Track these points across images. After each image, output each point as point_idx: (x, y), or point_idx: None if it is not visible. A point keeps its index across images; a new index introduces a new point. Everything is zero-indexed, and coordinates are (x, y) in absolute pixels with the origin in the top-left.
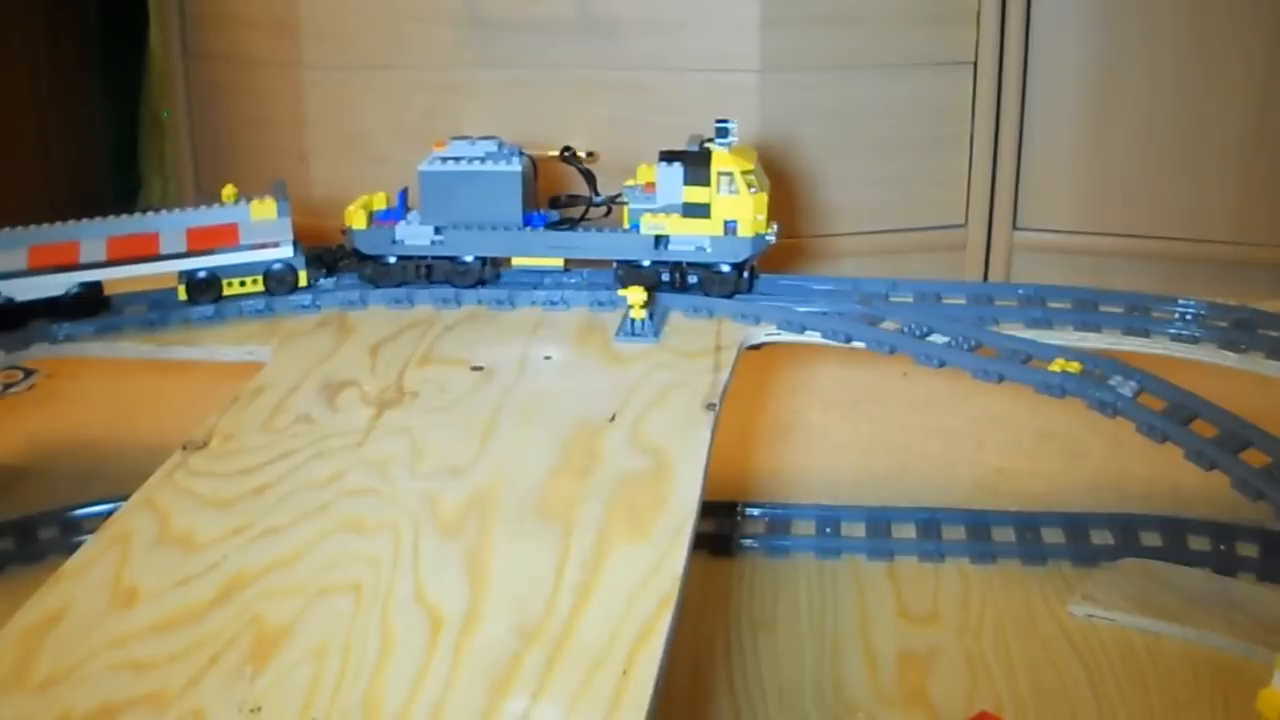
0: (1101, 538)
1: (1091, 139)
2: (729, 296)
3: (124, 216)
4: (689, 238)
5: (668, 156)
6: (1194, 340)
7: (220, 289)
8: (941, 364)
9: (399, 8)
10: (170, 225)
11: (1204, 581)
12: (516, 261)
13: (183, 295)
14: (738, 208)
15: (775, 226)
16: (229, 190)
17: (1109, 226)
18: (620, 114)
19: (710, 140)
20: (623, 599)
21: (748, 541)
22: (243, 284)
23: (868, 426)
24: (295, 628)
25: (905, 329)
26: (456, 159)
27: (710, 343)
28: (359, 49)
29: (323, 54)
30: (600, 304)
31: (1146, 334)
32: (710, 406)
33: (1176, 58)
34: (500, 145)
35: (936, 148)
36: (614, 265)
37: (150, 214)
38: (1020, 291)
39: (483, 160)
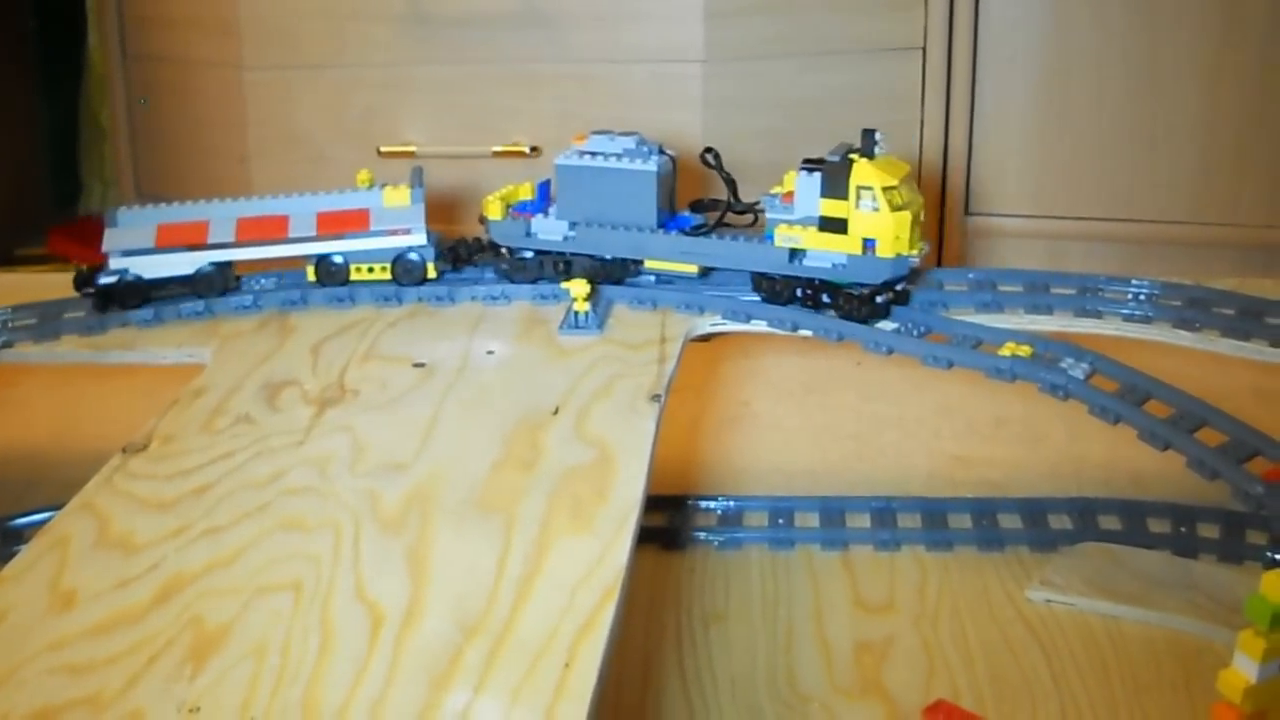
0: (1060, 522)
1: (1043, 122)
2: (864, 322)
3: (254, 198)
4: (825, 254)
5: (809, 165)
6: (1147, 320)
7: (347, 274)
8: (890, 351)
9: (339, 6)
10: (301, 208)
11: (1164, 564)
12: (650, 264)
13: (311, 277)
14: (877, 225)
15: (924, 247)
16: (364, 175)
17: (1063, 210)
18: (565, 107)
19: (856, 150)
20: (565, 591)
21: (700, 534)
22: (370, 270)
23: (821, 416)
24: (234, 627)
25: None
26: (594, 154)
27: (655, 334)
28: (299, 48)
29: (263, 54)
30: (543, 297)
31: (1099, 315)
32: (655, 397)
33: (1127, 38)
34: (640, 142)
35: (886, 135)
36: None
37: (281, 196)
38: (970, 276)
39: (619, 157)
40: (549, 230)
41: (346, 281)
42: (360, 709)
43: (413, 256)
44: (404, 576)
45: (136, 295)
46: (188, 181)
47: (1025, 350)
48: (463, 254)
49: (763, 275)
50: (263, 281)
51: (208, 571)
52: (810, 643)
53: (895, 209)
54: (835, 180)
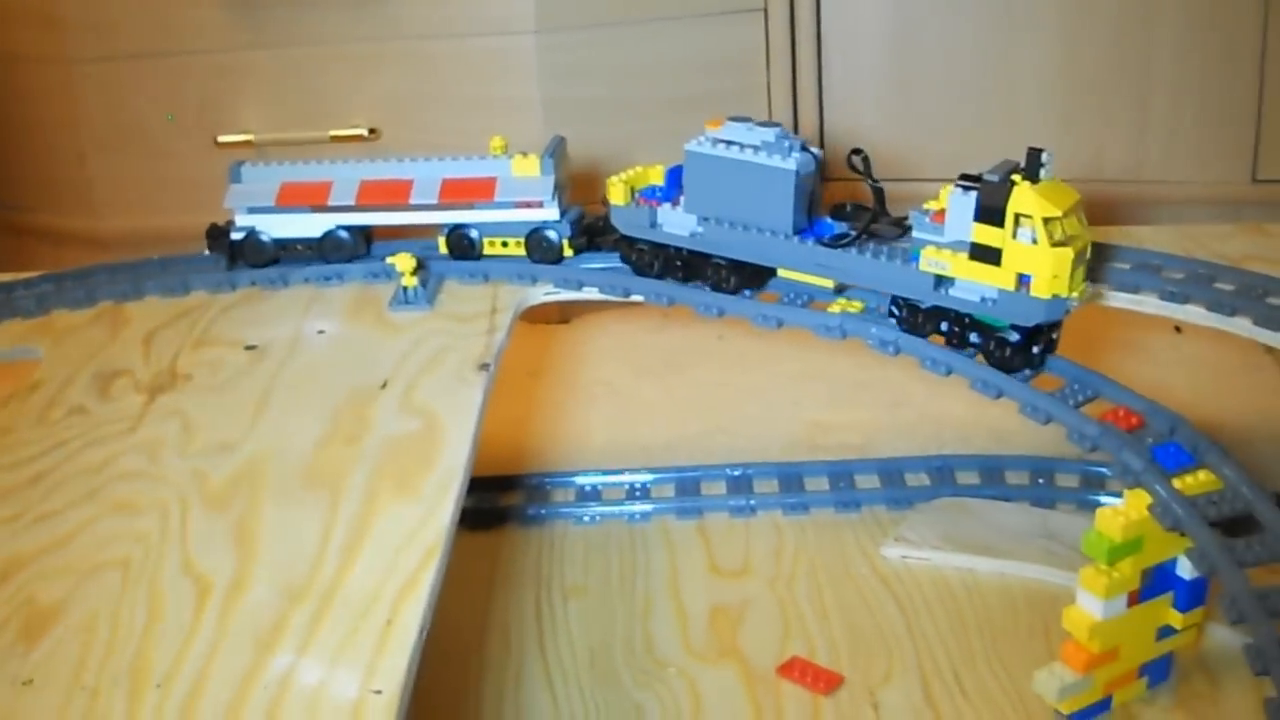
0: (917, 480)
1: (894, 82)
2: (1010, 371)
3: (381, 160)
4: (974, 285)
5: (965, 182)
6: None
7: (481, 248)
8: (720, 312)
9: None
10: (426, 173)
11: (1021, 515)
12: (782, 273)
13: (443, 249)
14: (1034, 260)
15: (1087, 288)
16: (497, 142)
17: (918, 172)
18: (405, 87)
19: (1020, 170)
20: (388, 555)
21: (559, 511)
22: (505, 245)
23: (681, 390)
24: (66, 605)
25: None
26: (728, 143)
27: (486, 306)
28: (127, 37)
29: (91, 45)
30: (374, 275)
31: None
32: (483, 367)
33: None
34: (782, 135)
35: (733, 101)
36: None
37: (409, 160)
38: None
39: (756, 149)
40: (675, 223)
41: (480, 256)
42: (186, 674)
43: (549, 233)
44: (230, 550)
45: (262, 254)
46: (23, 185)
47: (856, 306)
48: (593, 233)
49: (904, 300)
50: (98, 276)
51: (41, 554)
52: (667, 611)
53: (1056, 244)
54: (991, 204)
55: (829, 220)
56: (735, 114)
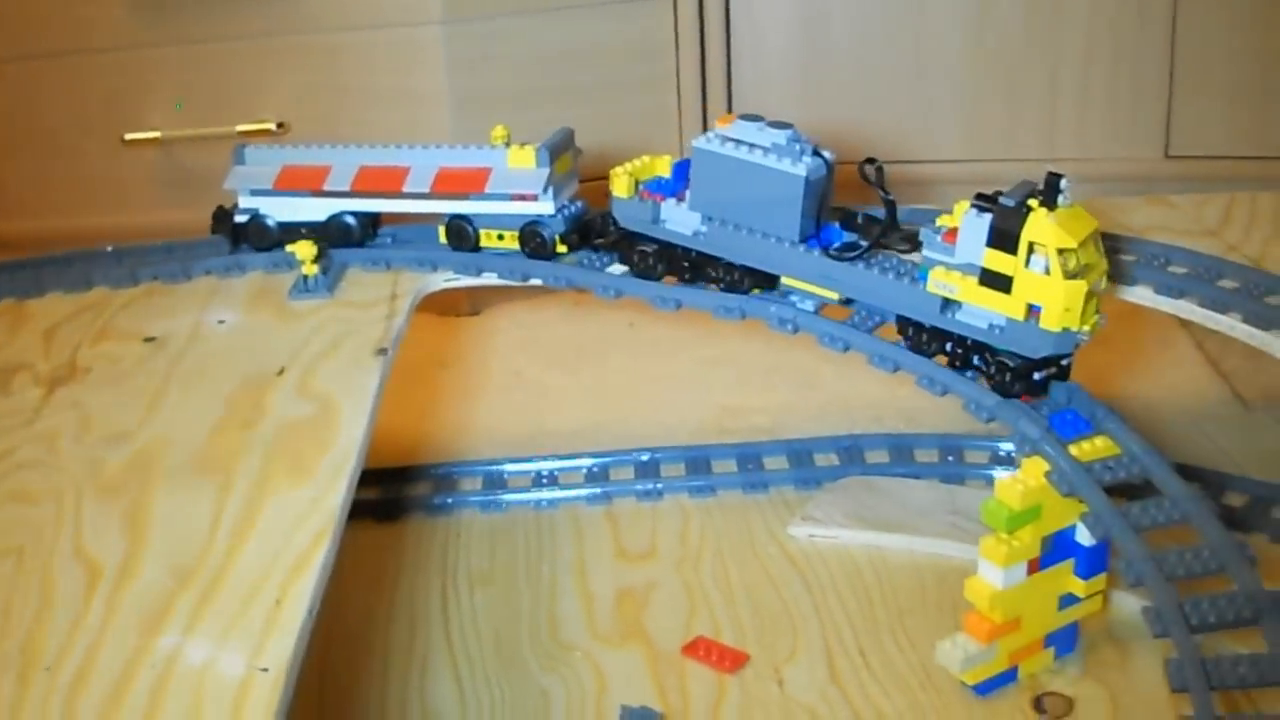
0: (826, 460)
1: (805, 66)
2: (1009, 397)
3: (381, 146)
4: (982, 311)
5: (981, 203)
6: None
7: (478, 239)
8: (618, 294)
9: None
10: (423, 161)
11: (929, 492)
12: (786, 281)
13: (443, 239)
14: (1046, 291)
15: (1100, 320)
16: (499, 131)
17: (833, 155)
18: (312, 80)
19: (1038, 194)
20: (279, 536)
21: (466, 499)
22: (500, 238)
23: (591, 379)
24: None
25: (584, 263)
26: (737, 142)
27: (386, 293)
28: (32, 37)
29: (1, 44)
30: (276, 265)
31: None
32: (381, 351)
33: None
34: (794, 138)
35: (643, 89)
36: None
37: (408, 146)
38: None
39: (765, 151)
40: (679, 220)
41: (477, 247)
42: (75, 655)
43: (541, 229)
44: (122, 536)
45: (266, 237)
46: None
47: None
48: (589, 231)
49: (909, 321)
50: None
51: None
52: (573, 595)
53: (1069, 275)
54: (1005, 230)
55: (838, 227)
56: (746, 113)
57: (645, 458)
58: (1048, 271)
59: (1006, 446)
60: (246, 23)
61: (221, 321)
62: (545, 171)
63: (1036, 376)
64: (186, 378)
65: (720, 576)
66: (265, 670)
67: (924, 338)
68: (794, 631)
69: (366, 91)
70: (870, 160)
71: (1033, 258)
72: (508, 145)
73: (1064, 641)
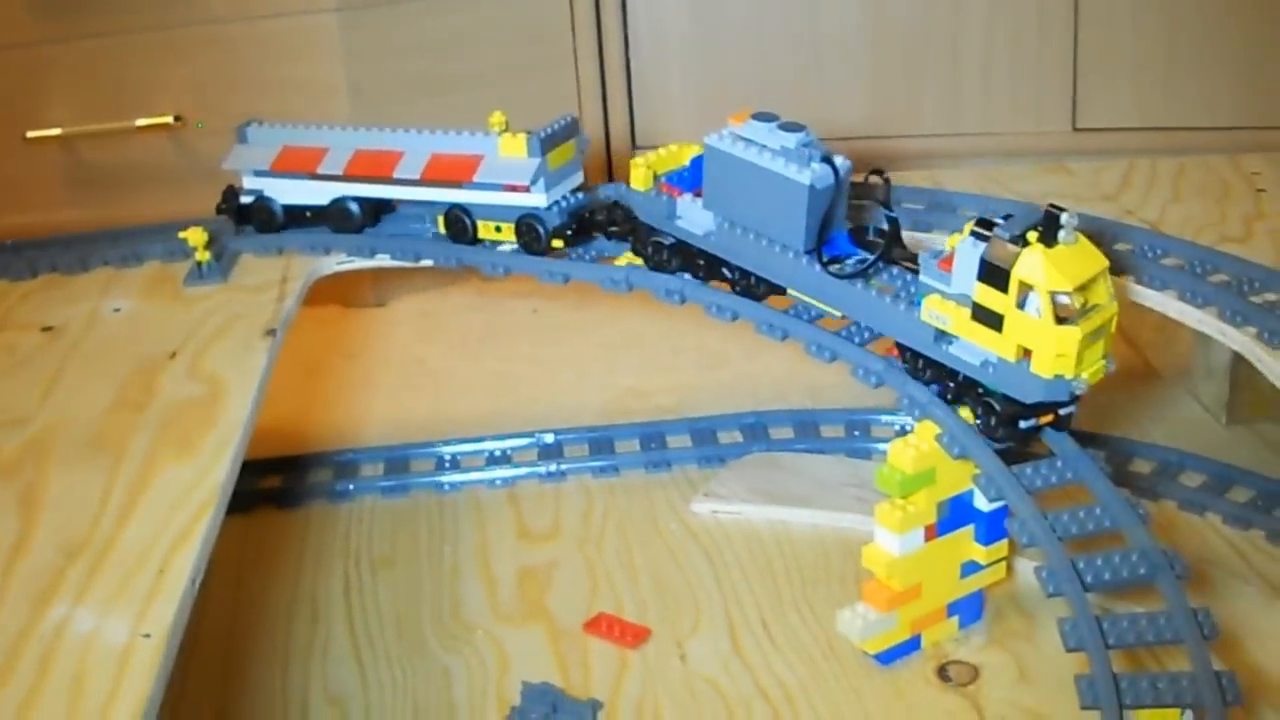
0: (730, 438)
1: (703, 46)
2: (1000, 442)
3: (379, 129)
4: (975, 348)
5: (980, 230)
6: None
7: (475, 232)
8: (507, 271)
9: None
10: (416, 146)
11: (834, 466)
12: (792, 292)
13: (442, 229)
14: (1037, 335)
15: (1108, 365)
16: (497, 117)
17: None
18: (209, 72)
19: (1038, 226)
20: (165, 509)
21: (367, 486)
22: (498, 229)
23: (495, 364)
24: None
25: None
26: (747, 141)
27: (278, 276)
28: None
29: None
30: (172, 254)
31: None
32: (270, 333)
33: None
34: (804, 142)
35: (541, 73)
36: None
37: (402, 131)
38: (602, 194)
39: (774, 154)
40: (694, 219)
41: (475, 240)
42: None
43: (536, 222)
44: (15, 516)
45: (271, 220)
46: None
47: (641, 260)
48: (589, 225)
49: (908, 348)
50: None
51: None
52: (475, 577)
53: (1062, 320)
54: (994, 264)
55: (847, 237)
56: (760, 111)
57: (548, 440)
58: (1039, 314)
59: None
60: (143, 16)
61: (117, 309)
62: (536, 162)
63: (1022, 424)
64: (82, 364)
65: (623, 554)
66: (148, 636)
67: (920, 364)
68: (696, 606)
69: (264, 82)
70: (877, 171)
71: (1026, 300)
72: (501, 132)
73: (968, 610)
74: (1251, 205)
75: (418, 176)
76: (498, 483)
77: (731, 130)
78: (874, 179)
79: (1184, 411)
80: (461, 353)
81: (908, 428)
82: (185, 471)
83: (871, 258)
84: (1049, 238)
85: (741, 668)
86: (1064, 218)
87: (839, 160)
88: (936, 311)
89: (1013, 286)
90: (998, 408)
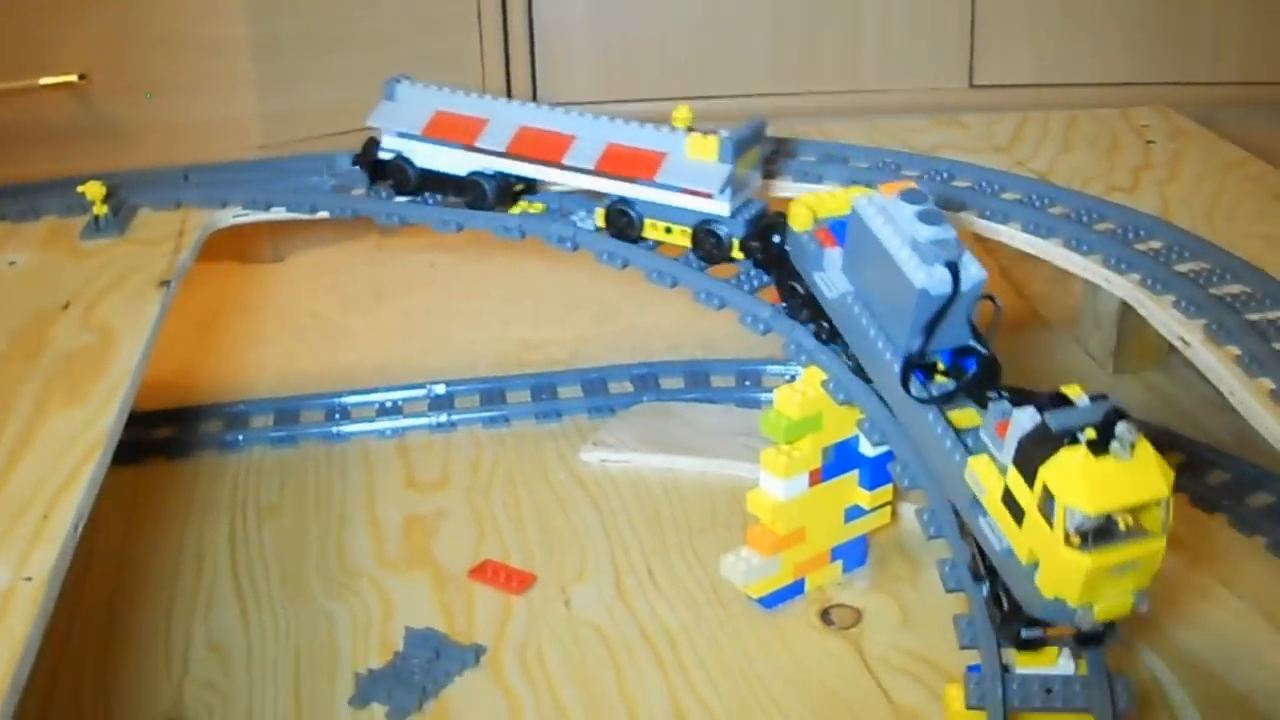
0: (620, 388)
1: (605, 3)
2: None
3: (548, 106)
4: (1004, 534)
5: (1044, 404)
6: None
7: (640, 230)
8: (401, 220)
9: None
10: (591, 132)
11: (724, 416)
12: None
13: (600, 223)
14: (1045, 547)
15: (1139, 602)
16: (682, 112)
17: (636, 93)
18: (114, 29)
19: (1099, 425)
20: (53, 455)
21: (255, 436)
22: (668, 231)
23: (389, 318)
24: None
25: (370, 193)
26: (887, 218)
27: (174, 229)
28: None
29: None
30: (69, 209)
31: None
32: (164, 284)
33: None
34: (939, 239)
35: (444, 32)
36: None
37: (578, 113)
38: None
39: (903, 243)
40: (832, 279)
41: (640, 238)
42: None
43: (720, 230)
44: None
45: (406, 179)
46: None
47: (537, 207)
48: (778, 232)
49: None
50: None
51: None
52: (361, 525)
53: (1078, 548)
54: (1026, 455)
55: (970, 337)
56: (911, 190)
57: (439, 391)
58: (1051, 528)
59: None
60: None
61: (13, 263)
62: (727, 169)
63: (1024, 634)
64: None
65: (510, 503)
66: (29, 580)
67: (961, 521)
68: (582, 553)
69: (167, 40)
70: (988, 297)
71: (1049, 506)
72: (689, 131)
73: (852, 555)
74: (1140, 156)
75: (591, 166)
76: (388, 433)
77: (880, 200)
78: (985, 303)
79: (1071, 361)
80: (358, 307)
81: (798, 377)
82: (74, 418)
83: (953, 388)
84: (1100, 443)
85: (625, 613)
86: (1120, 427)
87: (973, 268)
88: (978, 476)
89: (1038, 484)
90: (1004, 606)
